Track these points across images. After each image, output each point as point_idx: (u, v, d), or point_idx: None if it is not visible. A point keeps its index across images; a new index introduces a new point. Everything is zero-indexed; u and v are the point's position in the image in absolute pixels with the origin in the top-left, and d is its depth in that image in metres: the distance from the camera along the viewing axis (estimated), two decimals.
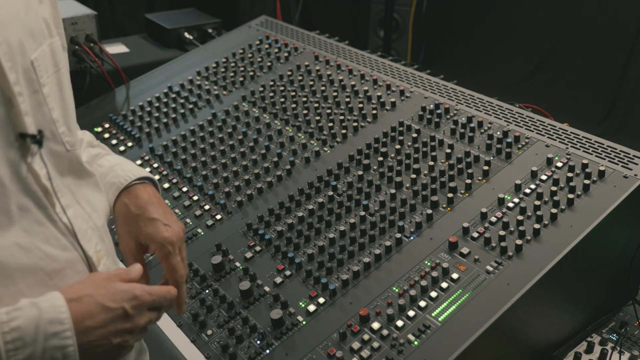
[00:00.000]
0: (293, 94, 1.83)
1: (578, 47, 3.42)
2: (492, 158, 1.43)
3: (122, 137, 1.88)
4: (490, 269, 1.19)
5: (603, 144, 1.40)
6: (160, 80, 2.12)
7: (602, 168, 1.31)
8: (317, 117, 1.71)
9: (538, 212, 1.26)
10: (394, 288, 1.21)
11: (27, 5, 0.91)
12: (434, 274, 1.21)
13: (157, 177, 1.67)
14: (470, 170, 1.40)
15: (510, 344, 1.20)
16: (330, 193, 1.44)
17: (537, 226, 1.23)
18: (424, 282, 1.19)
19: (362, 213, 1.37)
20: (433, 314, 1.14)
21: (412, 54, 3.92)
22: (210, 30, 2.61)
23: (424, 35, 3.95)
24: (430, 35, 4.00)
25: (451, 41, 3.98)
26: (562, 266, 1.17)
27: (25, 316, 0.80)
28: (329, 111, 1.72)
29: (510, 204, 1.31)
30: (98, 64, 2.20)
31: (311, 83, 1.85)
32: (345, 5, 4.21)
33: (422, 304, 1.16)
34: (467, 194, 1.37)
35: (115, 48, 2.54)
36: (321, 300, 1.23)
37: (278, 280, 1.29)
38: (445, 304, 1.15)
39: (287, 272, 1.30)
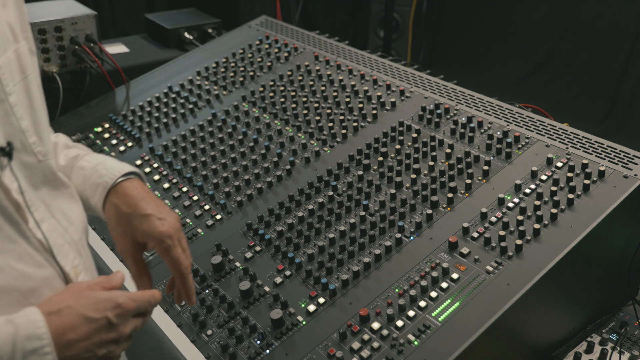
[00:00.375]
0: (293, 94, 1.83)
1: (578, 47, 3.42)
2: (492, 158, 1.43)
3: (122, 137, 1.88)
4: (490, 269, 1.19)
5: (603, 144, 1.40)
6: (160, 80, 2.12)
7: (602, 168, 1.31)
8: (317, 117, 1.71)
9: (538, 212, 1.26)
10: (394, 288, 1.21)
11: None
12: (434, 274, 1.21)
13: (157, 177, 1.67)
14: (470, 170, 1.40)
15: (510, 344, 1.20)
16: (330, 193, 1.44)
17: (537, 226, 1.23)
18: (424, 282, 1.19)
19: (362, 213, 1.37)
20: (433, 314, 1.14)
21: (412, 54, 3.92)
22: (210, 30, 2.61)
23: (424, 35, 3.95)
24: (430, 35, 4.00)
25: (451, 41, 3.98)
26: (562, 266, 1.17)
27: (0, 335, 0.76)
28: (329, 111, 1.72)
29: (510, 204, 1.31)
30: (98, 64, 2.20)
31: (311, 83, 1.85)
32: (345, 5, 4.21)
33: (422, 304, 1.16)
34: (467, 194, 1.37)
35: (115, 48, 2.54)
36: (321, 300, 1.23)
37: (278, 280, 1.29)
38: (445, 304, 1.15)
39: (287, 272, 1.30)
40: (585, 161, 1.34)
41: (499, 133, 1.50)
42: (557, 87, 3.51)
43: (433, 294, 1.17)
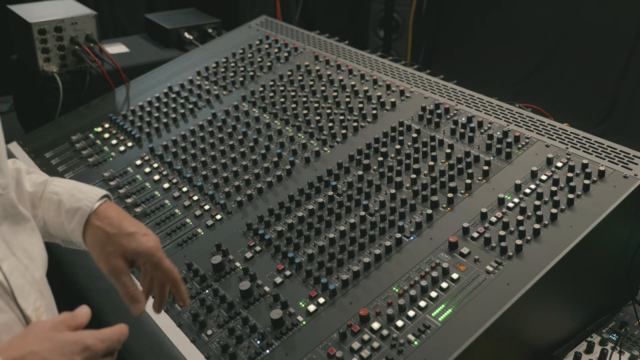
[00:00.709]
0: (293, 94, 1.83)
1: (578, 47, 3.42)
2: (492, 158, 1.43)
3: (122, 137, 1.88)
4: (490, 269, 1.19)
5: (603, 144, 1.40)
6: (160, 80, 2.12)
7: (602, 168, 1.31)
8: (317, 117, 1.71)
9: (538, 212, 1.26)
10: (394, 288, 1.21)
11: None
12: (434, 274, 1.21)
13: (157, 177, 1.67)
14: (470, 170, 1.40)
15: (510, 344, 1.20)
16: (330, 193, 1.44)
17: (537, 226, 1.23)
18: (424, 282, 1.19)
19: (362, 213, 1.37)
20: (433, 314, 1.14)
21: (412, 54, 3.92)
22: (210, 30, 2.61)
23: (424, 35, 3.95)
24: (430, 35, 4.00)
25: (451, 41, 3.98)
26: (562, 266, 1.17)
27: None
28: (329, 111, 1.72)
29: (510, 204, 1.31)
30: (98, 64, 2.20)
31: (311, 83, 1.85)
32: (345, 5, 4.21)
33: (422, 304, 1.16)
34: (467, 194, 1.37)
35: (115, 48, 2.54)
36: (321, 300, 1.23)
37: (278, 280, 1.29)
38: (445, 304, 1.15)
39: (287, 272, 1.30)
40: (585, 161, 1.34)
41: (499, 133, 1.50)
42: (557, 87, 3.51)
43: (433, 294, 1.17)
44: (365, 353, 1.10)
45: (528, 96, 3.37)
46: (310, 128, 1.69)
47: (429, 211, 1.33)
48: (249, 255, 1.37)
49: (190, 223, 1.51)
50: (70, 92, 2.20)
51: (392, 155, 1.52)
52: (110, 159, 1.80)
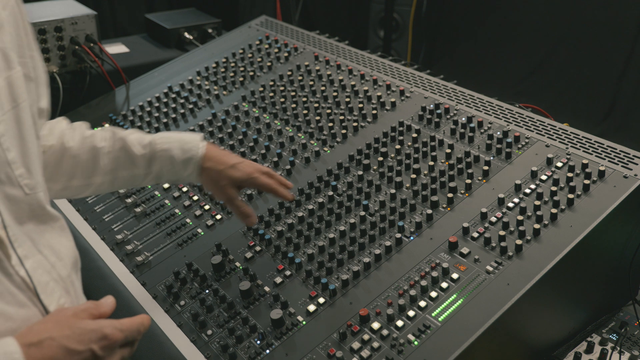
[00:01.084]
0: (293, 94, 1.83)
1: (578, 47, 3.42)
2: (492, 158, 1.43)
3: None
4: (490, 269, 1.19)
5: (603, 144, 1.40)
6: (160, 80, 2.12)
7: (602, 168, 1.31)
8: (317, 117, 1.71)
9: (538, 212, 1.26)
10: (394, 288, 1.21)
11: None
12: (434, 274, 1.21)
13: None
14: (470, 170, 1.40)
15: (510, 344, 1.20)
16: (330, 193, 1.44)
17: (537, 226, 1.23)
18: (424, 282, 1.19)
19: (362, 213, 1.37)
20: (433, 314, 1.14)
21: (412, 54, 3.92)
22: (210, 30, 2.61)
23: (424, 35, 3.95)
24: (430, 35, 4.00)
25: (451, 41, 3.98)
26: (562, 266, 1.17)
27: None
28: (329, 111, 1.72)
29: (510, 204, 1.31)
30: (98, 64, 2.20)
31: (311, 83, 1.85)
32: (345, 5, 4.21)
33: (422, 304, 1.16)
34: (467, 194, 1.37)
35: (115, 48, 2.54)
36: (321, 300, 1.23)
37: (278, 280, 1.29)
38: (445, 304, 1.15)
39: (287, 272, 1.30)
40: (585, 161, 1.34)
41: (499, 133, 1.50)
42: (557, 87, 3.51)
43: (433, 294, 1.17)
44: (365, 353, 1.10)
45: (528, 96, 3.37)
46: (310, 128, 1.69)
47: (429, 211, 1.33)
48: (249, 255, 1.37)
49: (190, 223, 1.51)
50: (70, 92, 2.20)
51: (392, 155, 1.52)
52: None
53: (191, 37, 2.57)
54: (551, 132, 1.47)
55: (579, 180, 1.31)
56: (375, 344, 1.12)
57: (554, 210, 1.25)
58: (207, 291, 1.32)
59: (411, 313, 1.15)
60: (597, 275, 1.34)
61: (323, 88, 1.81)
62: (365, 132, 1.63)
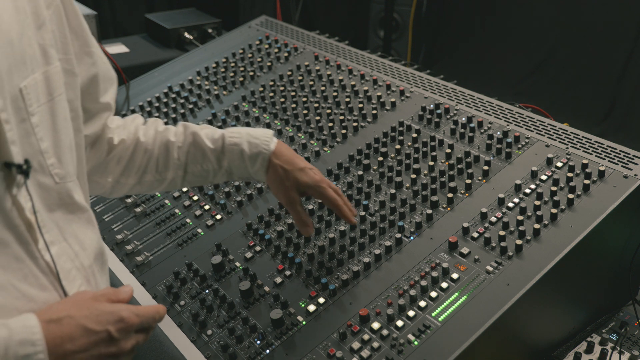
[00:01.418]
0: (293, 94, 1.83)
1: (578, 47, 3.42)
2: (492, 158, 1.43)
3: None
4: (490, 269, 1.19)
5: (603, 144, 1.40)
6: (160, 80, 2.12)
7: (602, 168, 1.31)
8: (317, 117, 1.71)
9: (538, 212, 1.26)
10: (394, 288, 1.21)
11: (21, 32, 0.87)
12: (434, 274, 1.21)
13: None
14: (470, 170, 1.40)
15: (510, 344, 1.20)
16: None
17: (537, 226, 1.23)
18: (424, 282, 1.19)
19: (362, 213, 1.37)
20: (433, 314, 1.14)
21: (412, 54, 3.92)
22: (210, 30, 2.61)
23: (424, 35, 3.95)
24: (430, 35, 4.00)
25: (451, 41, 3.98)
26: (562, 266, 1.17)
27: None
28: (329, 111, 1.72)
29: (510, 204, 1.31)
30: None
31: (311, 83, 1.85)
32: (345, 5, 4.21)
33: (422, 304, 1.16)
34: (467, 194, 1.37)
35: (115, 48, 2.55)
36: (321, 300, 1.23)
37: (278, 280, 1.29)
38: (445, 304, 1.15)
39: (287, 272, 1.30)
40: (585, 161, 1.34)
41: (499, 133, 1.50)
42: (557, 87, 3.51)
43: (433, 294, 1.17)
44: (365, 353, 1.10)
45: (528, 96, 3.37)
46: (310, 128, 1.69)
47: (429, 211, 1.33)
48: (249, 255, 1.37)
49: (190, 223, 1.51)
50: None
51: (392, 155, 1.52)
52: None
53: (191, 37, 2.57)
54: (551, 132, 1.47)
55: (579, 180, 1.31)
56: (375, 344, 1.12)
57: (554, 210, 1.25)
58: (207, 291, 1.32)
59: (411, 313, 1.15)
60: (597, 275, 1.34)
61: (323, 88, 1.81)
62: (365, 132, 1.63)
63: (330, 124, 1.66)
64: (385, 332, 1.13)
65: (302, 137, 1.67)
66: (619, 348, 1.24)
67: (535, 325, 1.23)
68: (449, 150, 1.47)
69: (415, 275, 1.22)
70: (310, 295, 1.24)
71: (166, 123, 1.86)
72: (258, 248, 1.38)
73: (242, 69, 2.03)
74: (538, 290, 1.15)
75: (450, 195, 1.36)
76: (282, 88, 1.87)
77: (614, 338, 1.29)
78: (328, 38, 2.09)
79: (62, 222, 0.94)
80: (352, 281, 1.25)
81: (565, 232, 1.21)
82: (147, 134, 1.25)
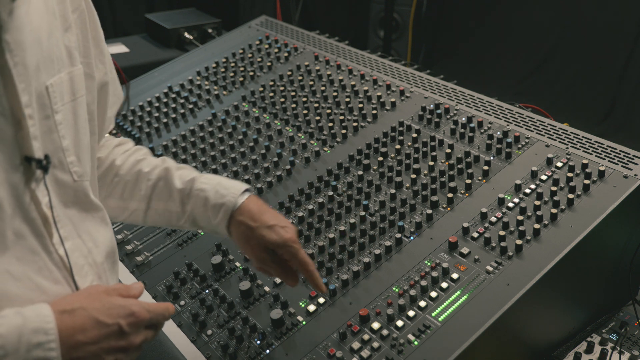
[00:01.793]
0: (293, 94, 1.83)
1: (578, 47, 3.42)
2: (492, 158, 1.43)
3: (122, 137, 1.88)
4: (490, 269, 1.19)
5: (603, 144, 1.40)
6: (160, 80, 2.12)
7: (602, 168, 1.31)
8: (317, 117, 1.71)
9: (538, 212, 1.26)
10: (394, 288, 1.21)
11: (50, 32, 0.90)
12: (434, 274, 1.21)
13: None
14: (470, 170, 1.40)
15: (510, 344, 1.20)
16: (330, 193, 1.44)
17: (537, 226, 1.23)
18: (424, 282, 1.19)
19: (362, 213, 1.37)
20: (433, 314, 1.14)
21: (412, 54, 3.92)
22: (210, 30, 2.61)
23: (424, 35, 3.95)
24: (430, 35, 4.00)
25: (451, 41, 3.98)
26: (562, 266, 1.17)
27: (8, 324, 0.77)
28: (329, 111, 1.72)
29: (510, 204, 1.31)
30: None
31: (311, 83, 1.85)
32: (345, 5, 4.21)
33: (422, 304, 1.16)
34: (467, 194, 1.37)
35: (115, 48, 2.55)
36: (321, 300, 1.23)
37: (278, 280, 1.29)
38: (445, 304, 1.15)
39: None
40: (585, 161, 1.34)
41: (499, 133, 1.50)
42: (557, 87, 3.51)
43: (433, 294, 1.17)
44: (365, 353, 1.10)
45: (528, 96, 3.37)
46: (310, 128, 1.69)
47: (429, 211, 1.33)
48: None
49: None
50: None
51: (392, 155, 1.52)
52: None
53: (191, 37, 2.57)
54: (551, 132, 1.47)
55: (579, 180, 1.31)
56: (375, 344, 1.12)
57: (554, 210, 1.25)
58: (207, 291, 1.32)
59: (411, 313, 1.15)
60: (597, 275, 1.34)
61: (323, 88, 1.81)
62: (365, 132, 1.63)
63: (330, 124, 1.66)
64: (385, 332, 1.13)
65: (302, 137, 1.67)
66: (619, 348, 1.24)
67: (535, 325, 1.23)
68: (449, 150, 1.47)
69: (415, 275, 1.22)
70: (310, 295, 1.24)
71: (166, 123, 1.87)
72: None
73: (242, 69, 2.02)
74: (538, 290, 1.15)
75: (450, 195, 1.36)
76: (282, 88, 1.87)
77: (614, 338, 1.29)
78: (328, 38, 2.09)
79: (76, 219, 0.96)
80: (352, 281, 1.25)
81: (565, 232, 1.21)
82: (125, 159, 1.22)
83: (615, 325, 1.33)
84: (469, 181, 1.37)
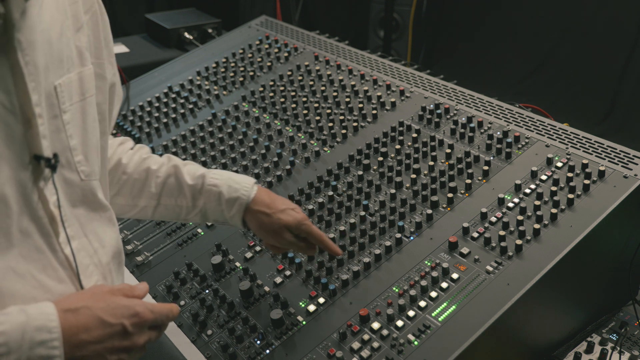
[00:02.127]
0: (293, 94, 1.83)
1: (578, 47, 3.42)
2: (492, 158, 1.43)
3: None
4: (490, 269, 1.19)
5: (603, 144, 1.40)
6: (160, 80, 2.12)
7: (602, 168, 1.31)
8: (317, 117, 1.71)
9: (538, 212, 1.26)
10: (394, 288, 1.21)
11: (60, 32, 0.90)
12: (434, 274, 1.21)
13: None
14: (470, 170, 1.40)
15: (510, 344, 1.20)
16: (330, 193, 1.44)
17: (537, 226, 1.23)
18: (424, 282, 1.19)
19: (362, 213, 1.37)
20: (433, 314, 1.14)
21: (412, 54, 3.92)
22: (210, 30, 2.61)
23: (424, 35, 3.95)
24: (430, 35, 4.00)
25: (451, 41, 3.98)
26: (562, 266, 1.17)
27: (11, 321, 0.77)
28: (329, 111, 1.72)
29: (510, 204, 1.31)
30: None
31: (311, 83, 1.85)
32: (345, 5, 4.21)
33: (422, 304, 1.16)
34: (467, 194, 1.37)
35: (116, 48, 2.53)
36: (321, 300, 1.23)
37: (278, 280, 1.29)
38: (445, 304, 1.15)
39: (287, 272, 1.30)
40: (585, 161, 1.34)
41: (499, 133, 1.50)
42: (557, 87, 3.51)
43: (433, 294, 1.17)
44: (365, 353, 1.10)
45: (528, 96, 3.37)
46: (310, 128, 1.69)
47: (429, 211, 1.33)
48: (249, 255, 1.37)
49: (191, 223, 1.51)
50: None
51: (392, 155, 1.52)
52: None
53: (191, 37, 2.57)
54: (551, 132, 1.47)
55: (579, 180, 1.31)
56: (375, 344, 1.12)
57: (554, 210, 1.25)
58: (207, 291, 1.32)
59: (411, 313, 1.15)
60: (597, 275, 1.34)
61: (323, 88, 1.81)
62: (365, 132, 1.63)
63: (330, 124, 1.66)
64: (385, 332, 1.13)
65: (302, 137, 1.67)
66: (619, 348, 1.24)
67: (535, 325, 1.23)
68: (449, 150, 1.47)
69: (415, 275, 1.22)
70: (310, 295, 1.24)
71: (166, 123, 1.87)
72: (258, 248, 1.38)
73: (242, 69, 2.02)
74: (538, 290, 1.15)
75: (450, 195, 1.36)
76: (282, 88, 1.87)
77: (614, 338, 1.29)
78: (328, 38, 2.09)
79: (83, 218, 0.96)
80: (352, 281, 1.25)
81: (565, 232, 1.21)
82: (130, 157, 1.24)
83: (615, 325, 1.33)
84: (469, 181, 1.37)
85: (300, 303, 1.23)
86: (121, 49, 2.56)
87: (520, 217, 1.26)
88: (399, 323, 1.14)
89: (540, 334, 1.26)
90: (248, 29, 2.28)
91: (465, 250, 1.24)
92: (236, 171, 1.59)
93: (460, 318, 1.12)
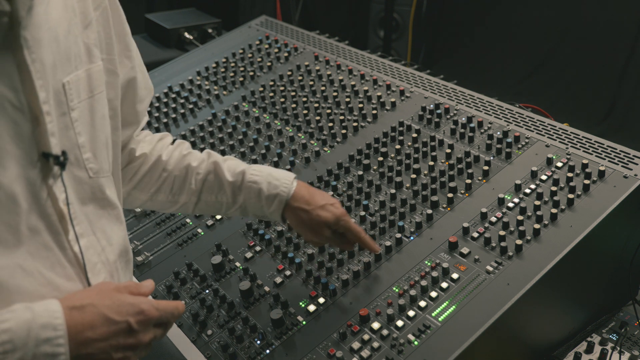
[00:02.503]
0: (293, 94, 1.83)
1: (578, 47, 3.42)
2: (492, 158, 1.43)
3: None
4: (490, 269, 1.19)
5: (603, 144, 1.40)
6: (160, 80, 2.12)
7: (602, 168, 1.31)
8: (317, 117, 1.71)
9: (538, 212, 1.26)
10: (394, 288, 1.21)
11: (68, 30, 0.90)
12: (434, 274, 1.21)
13: None
14: (470, 170, 1.40)
15: (510, 344, 1.20)
16: (331, 193, 1.44)
17: (537, 226, 1.23)
18: (424, 282, 1.19)
19: (362, 213, 1.37)
20: (433, 314, 1.14)
21: (412, 54, 3.92)
22: (210, 30, 2.61)
23: (424, 35, 3.95)
24: (430, 35, 3.99)
25: (451, 41, 3.98)
26: (562, 266, 1.17)
27: (17, 319, 0.77)
28: (329, 111, 1.72)
29: (510, 204, 1.31)
30: None
31: (311, 83, 1.85)
32: (345, 5, 4.21)
33: (422, 304, 1.16)
34: (467, 194, 1.37)
35: None
36: (321, 300, 1.23)
37: (278, 280, 1.29)
38: (445, 304, 1.15)
39: (287, 272, 1.30)
40: (585, 161, 1.34)
41: (499, 133, 1.50)
42: (557, 87, 3.51)
43: (433, 294, 1.17)
44: (365, 353, 1.10)
45: (528, 96, 3.37)
46: (310, 128, 1.69)
47: (429, 211, 1.33)
48: (249, 255, 1.37)
49: (190, 223, 1.51)
50: None
51: (392, 155, 1.52)
52: None
53: (191, 37, 2.57)
54: (551, 132, 1.47)
55: (579, 180, 1.31)
56: (375, 344, 1.12)
57: (554, 210, 1.25)
58: (207, 291, 1.32)
59: (411, 313, 1.15)
60: (597, 275, 1.34)
61: (323, 88, 1.81)
62: (365, 132, 1.63)
63: (330, 124, 1.66)
64: (385, 332, 1.13)
65: (302, 137, 1.67)
66: (619, 348, 1.24)
67: (535, 325, 1.23)
68: (449, 150, 1.47)
69: (415, 275, 1.22)
70: (310, 295, 1.24)
71: (166, 123, 1.87)
72: (258, 248, 1.38)
73: (242, 69, 2.03)
74: (538, 290, 1.15)
75: (450, 195, 1.36)
76: (282, 88, 1.87)
77: (614, 338, 1.29)
78: (328, 38, 2.09)
79: (92, 216, 0.96)
80: (352, 281, 1.25)
81: (565, 232, 1.21)
82: (170, 154, 1.24)
83: (615, 325, 1.33)
84: (469, 181, 1.37)
85: (301, 303, 1.23)
86: None
87: (520, 217, 1.26)
88: (399, 323, 1.14)
89: (540, 334, 1.26)
90: (248, 29, 2.28)
91: (465, 250, 1.24)
92: None
93: (460, 318, 1.12)
